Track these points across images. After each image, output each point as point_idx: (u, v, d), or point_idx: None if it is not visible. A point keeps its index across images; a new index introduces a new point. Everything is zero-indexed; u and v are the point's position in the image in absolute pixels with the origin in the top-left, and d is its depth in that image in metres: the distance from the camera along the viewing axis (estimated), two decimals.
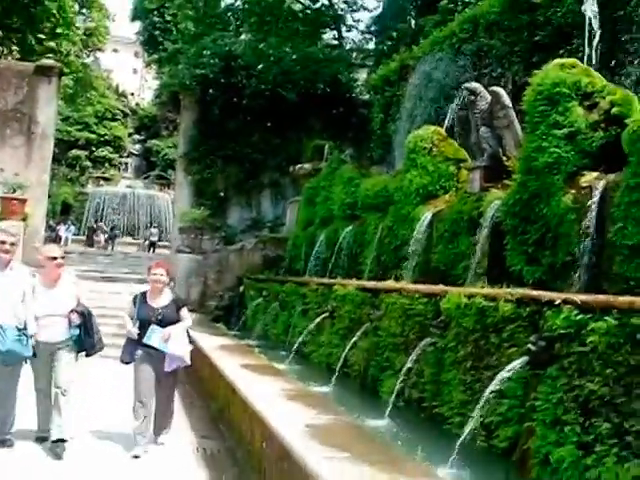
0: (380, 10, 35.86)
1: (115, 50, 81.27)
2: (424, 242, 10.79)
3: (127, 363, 7.88)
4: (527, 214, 8.25)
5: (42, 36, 32.33)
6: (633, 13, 11.47)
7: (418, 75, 17.97)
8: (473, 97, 10.53)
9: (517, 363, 5.70)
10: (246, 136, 25.97)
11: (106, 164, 64.21)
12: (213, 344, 11.58)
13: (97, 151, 63.12)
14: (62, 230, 43.87)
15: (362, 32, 37.99)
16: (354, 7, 37.30)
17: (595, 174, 7.50)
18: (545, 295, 5.81)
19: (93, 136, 62.64)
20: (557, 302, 5.51)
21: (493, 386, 5.78)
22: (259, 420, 6.26)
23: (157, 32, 49.93)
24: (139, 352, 7.72)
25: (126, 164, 67.50)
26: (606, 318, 4.95)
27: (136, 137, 70.33)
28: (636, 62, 11.19)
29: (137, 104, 75.50)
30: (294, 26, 33.43)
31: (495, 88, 10.36)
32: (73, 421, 7.50)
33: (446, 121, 12.32)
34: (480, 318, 6.68)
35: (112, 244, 44.88)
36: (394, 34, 31.96)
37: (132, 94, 78.94)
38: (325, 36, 37.08)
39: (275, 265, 20.35)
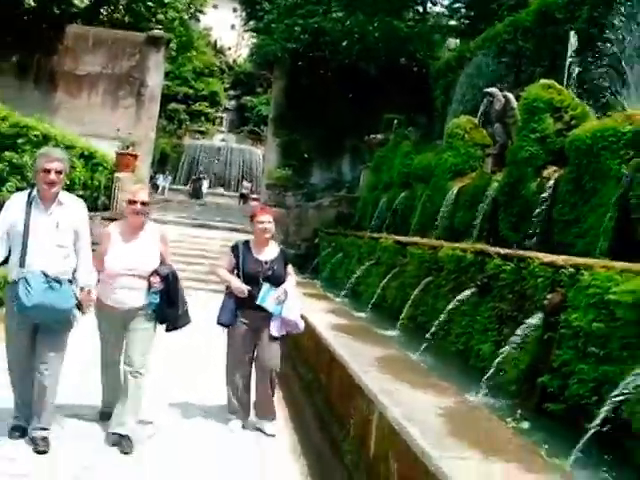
0: None
1: (214, 6, 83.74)
2: (451, 209, 13.86)
3: (227, 326, 6.77)
4: (512, 194, 11.32)
5: (151, 4, 35.30)
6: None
7: (471, 66, 20.93)
8: (491, 99, 13.61)
9: (468, 292, 8.91)
10: (330, 105, 28.78)
11: (202, 118, 67.28)
12: None
13: (194, 105, 66.18)
14: (160, 179, 46.67)
15: (446, 7, 39.89)
16: None
17: (554, 168, 10.51)
18: (487, 249, 9.02)
19: (191, 91, 65.51)
20: (491, 253, 8.69)
21: (451, 305, 9.01)
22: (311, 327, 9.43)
23: None
24: (239, 313, 6.71)
25: (221, 118, 70.50)
26: (509, 264, 8.11)
27: (231, 93, 73.43)
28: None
29: (234, 60, 78.35)
30: (379, 3, 35.38)
31: (507, 93, 13.41)
32: (146, 404, 6.40)
33: (479, 113, 15.22)
34: (458, 263, 9.88)
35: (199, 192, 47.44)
36: (472, 13, 34.02)
37: (229, 49, 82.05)
38: (409, 13, 38.65)
39: (347, 221, 23.21)
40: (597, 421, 5.14)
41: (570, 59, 13.13)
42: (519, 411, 6.66)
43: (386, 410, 4.81)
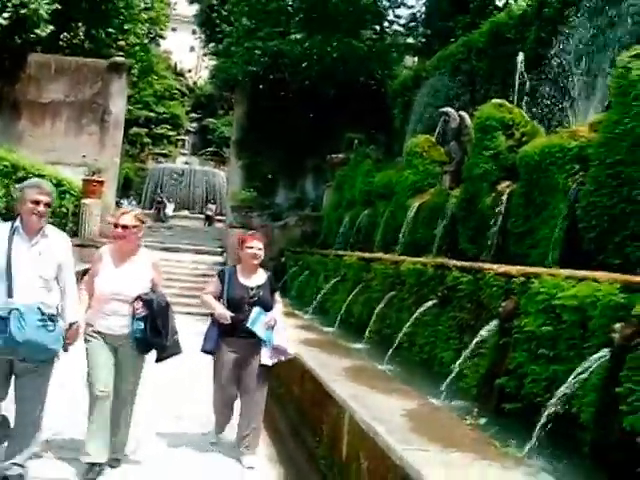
0: (418, 8, 38.22)
1: (173, 29, 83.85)
2: (412, 225, 14.36)
3: (210, 353, 6.79)
4: (469, 209, 11.86)
5: (112, 30, 35.50)
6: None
7: (427, 86, 21.64)
8: (447, 118, 14.18)
9: (430, 304, 9.40)
10: (291, 126, 29.17)
11: (164, 141, 67.49)
12: None
13: (156, 128, 66.20)
14: (125, 204, 47.09)
15: (402, 26, 40.49)
16: (396, 2, 39.44)
17: (507, 183, 11.06)
18: (446, 262, 9.53)
19: (152, 114, 65.42)
20: (450, 266, 9.20)
21: (415, 315, 9.48)
22: None
23: (214, 14, 51.96)
24: (225, 341, 6.68)
25: (183, 141, 70.89)
26: (467, 275, 8.62)
27: (193, 115, 73.81)
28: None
29: (194, 82, 78.75)
30: (337, 23, 35.76)
31: (462, 112, 13.97)
32: (133, 437, 6.53)
33: (436, 131, 15.81)
34: (419, 277, 10.37)
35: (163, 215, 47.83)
36: (428, 32, 34.69)
37: (189, 71, 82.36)
38: (367, 31, 39.13)
39: (312, 239, 23.66)
40: (544, 415, 5.61)
41: (519, 78, 13.75)
42: (476, 410, 7.14)
43: (355, 413, 5.26)
